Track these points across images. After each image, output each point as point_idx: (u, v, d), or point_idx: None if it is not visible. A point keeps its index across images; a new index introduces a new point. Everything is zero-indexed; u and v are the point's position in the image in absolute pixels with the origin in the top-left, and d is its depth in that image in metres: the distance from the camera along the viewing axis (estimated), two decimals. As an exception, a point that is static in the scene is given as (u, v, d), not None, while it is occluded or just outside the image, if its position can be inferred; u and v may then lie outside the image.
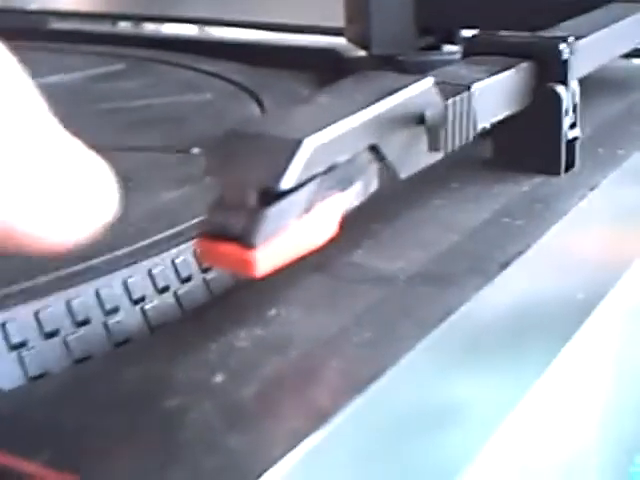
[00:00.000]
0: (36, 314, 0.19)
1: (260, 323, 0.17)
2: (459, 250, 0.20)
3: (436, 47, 0.39)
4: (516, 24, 0.36)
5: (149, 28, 0.57)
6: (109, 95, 0.38)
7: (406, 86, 0.18)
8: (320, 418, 0.14)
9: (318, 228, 0.17)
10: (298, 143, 0.15)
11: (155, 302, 0.20)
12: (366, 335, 0.16)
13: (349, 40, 0.41)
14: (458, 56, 0.36)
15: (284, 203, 0.16)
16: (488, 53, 0.24)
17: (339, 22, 0.46)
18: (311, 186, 0.16)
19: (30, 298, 0.19)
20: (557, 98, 0.24)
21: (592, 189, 0.23)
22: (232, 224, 0.15)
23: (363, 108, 0.17)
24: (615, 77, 0.34)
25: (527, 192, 0.23)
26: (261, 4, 0.54)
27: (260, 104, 0.35)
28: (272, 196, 0.16)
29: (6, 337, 0.18)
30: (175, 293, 0.21)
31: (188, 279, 0.21)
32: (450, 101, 0.20)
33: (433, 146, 0.19)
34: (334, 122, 0.16)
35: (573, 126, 0.24)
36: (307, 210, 0.16)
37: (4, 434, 0.14)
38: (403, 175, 0.19)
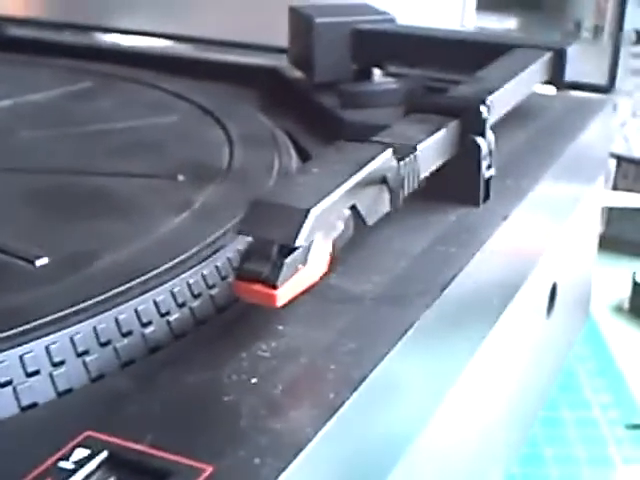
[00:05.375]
0: (94, 330, 0.24)
1: (273, 337, 0.23)
2: (409, 275, 0.27)
3: (367, 72, 0.46)
4: (430, 61, 0.43)
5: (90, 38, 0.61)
6: (79, 117, 0.42)
7: (373, 158, 0.25)
8: (332, 408, 0.20)
9: (316, 267, 0.23)
10: (306, 212, 0.22)
11: (176, 315, 0.26)
12: (352, 346, 0.23)
13: (292, 64, 0.47)
14: (387, 86, 0.43)
15: (296, 254, 0.22)
16: (423, 111, 0.31)
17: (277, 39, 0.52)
18: (313, 240, 0.23)
19: (88, 316, 0.25)
20: (477, 147, 0.31)
21: (505, 219, 0.30)
22: (261, 271, 0.22)
23: (346, 179, 0.24)
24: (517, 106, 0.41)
25: (455, 222, 0.30)
26: (200, 19, 0.59)
27: (222, 126, 0.41)
28: (288, 250, 0.22)
29: (76, 346, 0.24)
30: (190, 308, 0.27)
31: (199, 295, 0.27)
32: (402, 162, 0.27)
33: (394, 204, 0.26)
34: (328, 193, 0.23)
35: (489, 167, 0.31)
36: (310, 256, 0.23)
37: (103, 422, 0.20)
38: (370, 223, 0.25)
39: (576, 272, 0.46)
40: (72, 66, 0.51)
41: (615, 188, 0.57)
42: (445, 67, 0.43)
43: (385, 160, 0.25)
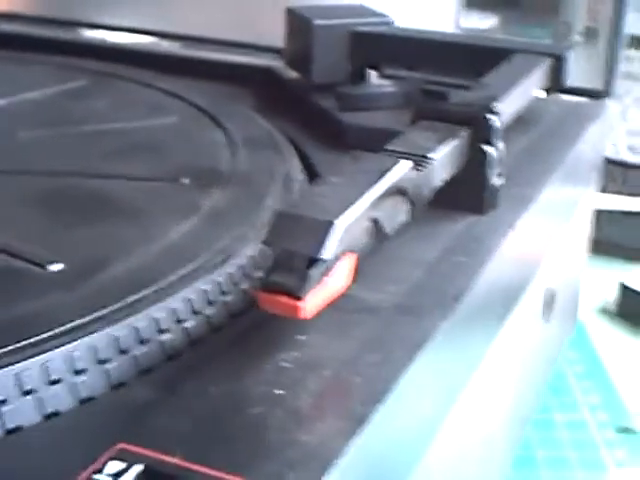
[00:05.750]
0: (113, 337, 0.24)
1: (295, 347, 0.24)
2: (423, 284, 0.27)
3: (363, 74, 0.46)
4: (428, 64, 0.44)
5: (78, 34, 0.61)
6: (76, 117, 0.42)
7: (393, 169, 0.25)
8: (358, 420, 0.21)
9: (341, 279, 0.23)
10: (331, 224, 0.22)
11: (192, 322, 0.26)
12: (373, 358, 0.23)
13: (289, 65, 0.47)
14: (385, 89, 0.43)
15: (321, 266, 0.22)
16: (431, 118, 0.31)
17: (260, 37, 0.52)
18: (337, 252, 0.23)
19: (108, 324, 0.25)
20: (485, 156, 0.31)
21: (511, 227, 0.31)
22: (285, 282, 0.22)
23: (369, 191, 0.24)
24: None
25: (464, 230, 0.30)
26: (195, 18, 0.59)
27: (220, 125, 0.41)
28: (313, 262, 0.22)
29: (96, 354, 0.24)
30: (205, 315, 0.27)
31: (213, 302, 0.27)
32: (420, 173, 0.27)
33: (415, 214, 0.26)
34: (351, 204, 0.23)
35: (499, 175, 0.32)
36: (334, 268, 0.23)
37: (131, 433, 0.20)
38: (390, 233, 0.26)
39: (570, 275, 0.46)
40: (65, 63, 0.50)
41: (604, 191, 0.57)
42: (443, 70, 0.43)
43: (405, 171, 0.26)
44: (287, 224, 0.22)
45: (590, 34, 0.54)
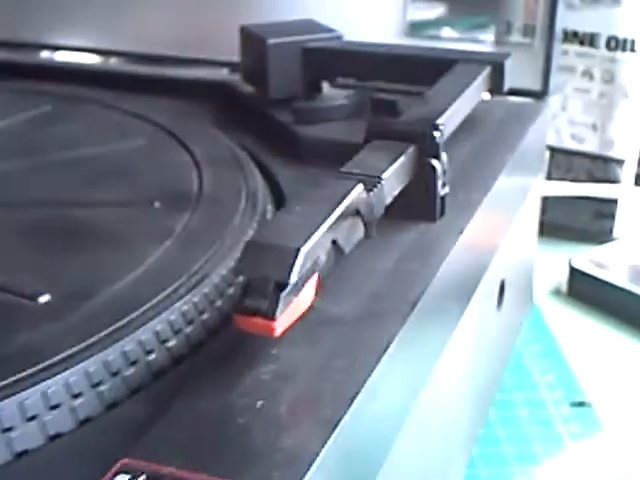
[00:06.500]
0: (105, 362, 0.27)
1: (270, 361, 0.26)
2: (381, 293, 0.30)
3: (317, 86, 0.48)
4: (377, 76, 0.47)
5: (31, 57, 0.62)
6: (44, 145, 0.43)
7: (348, 193, 0.28)
8: (331, 423, 0.23)
9: (306, 297, 0.26)
10: (298, 251, 0.25)
11: (174, 342, 0.29)
12: (341, 364, 0.26)
13: (245, 81, 0.50)
14: (337, 102, 0.46)
15: (290, 289, 0.25)
16: (381, 137, 0.34)
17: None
18: (304, 274, 0.25)
19: (98, 350, 0.27)
20: (432, 169, 0.34)
21: (460, 233, 0.34)
22: (259, 306, 0.25)
23: (327, 217, 0.26)
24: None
25: (416, 239, 0.33)
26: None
27: (185, 146, 0.43)
28: (282, 285, 0.25)
29: (90, 378, 0.26)
30: (185, 334, 0.29)
31: (192, 322, 0.30)
32: (371, 193, 0.30)
33: (368, 233, 0.29)
34: (314, 231, 0.26)
35: (444, 185, 0.34)
36: (300, 289, 0.26)
37: (129, 448, 0.23)
38: (347, 251, 0.28)
39: (521, 263, 0.49)
40: (25, 89, 0.52)
41: (549, 178, 0.61)
42: (391, 81, 0.46)
43: (357, 194, 0.28)
44: (257, 252, 0.25)
45: (527, 31, 0.57)
